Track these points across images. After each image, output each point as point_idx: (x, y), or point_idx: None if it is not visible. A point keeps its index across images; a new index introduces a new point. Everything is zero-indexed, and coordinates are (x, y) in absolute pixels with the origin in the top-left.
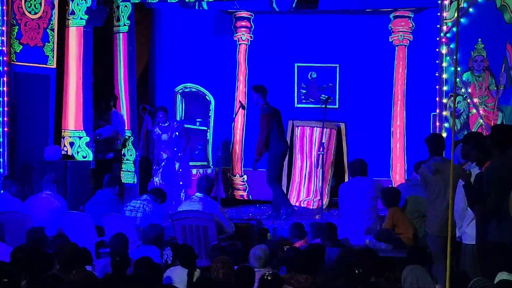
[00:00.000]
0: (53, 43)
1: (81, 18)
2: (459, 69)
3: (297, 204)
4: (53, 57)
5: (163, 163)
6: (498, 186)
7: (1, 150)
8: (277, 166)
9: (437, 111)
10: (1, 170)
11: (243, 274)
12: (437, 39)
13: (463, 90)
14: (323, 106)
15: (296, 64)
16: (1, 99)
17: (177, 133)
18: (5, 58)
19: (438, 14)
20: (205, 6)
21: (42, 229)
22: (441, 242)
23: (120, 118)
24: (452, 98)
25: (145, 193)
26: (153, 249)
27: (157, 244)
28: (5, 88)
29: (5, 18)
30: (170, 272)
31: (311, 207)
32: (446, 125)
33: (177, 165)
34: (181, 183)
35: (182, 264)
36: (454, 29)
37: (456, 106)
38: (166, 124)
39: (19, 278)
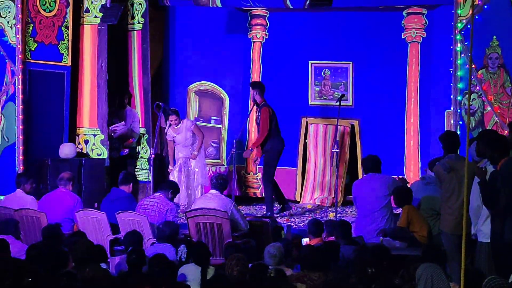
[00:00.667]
0: (68, 41)
1: (95, 16)
2: (473, 66)
3: (311, 201)
4: (67, 55)
5: (179, 162)
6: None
7: (16, 147)
8: (275, 164)
9: (452, 108)
10: (16, 167)
11: (258, 272)
12: (451, 36)
13: (477, 87)
14: (337, 103)
15: (310, 62)
16: (16, 97)
17: (190, 133)
18: (20, 56)
19: (452, 11)
20: (219, 3)
21: (58, 226)
22: (456, 240)
23: (134, 116)
24: (467, 95)
25: (158, 190)
26: (168, 247)
27: (172, 241)
28: (20, 86)
29: (20, 16)
30: (184, 269)
31: (325, 205)
32: (460, 122)
33: (193, 164)
34: (200, 181)
35: (195, 261)
36: (469, 26)
37: (470, 103)
38: (179, 126)
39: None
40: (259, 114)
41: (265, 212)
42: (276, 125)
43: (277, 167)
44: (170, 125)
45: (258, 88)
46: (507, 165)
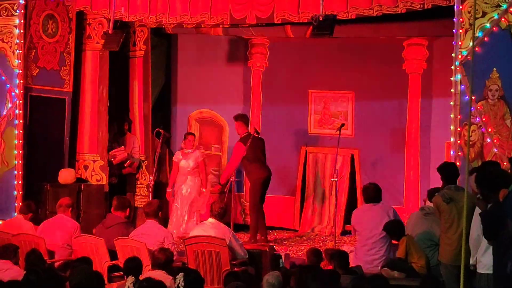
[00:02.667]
0: (69, 66)
1: (97, 42)
2: (473, 97)
3: (309, 231)
4: (69, 80)
5: (184, 190)
6: None
7: (16, 172)
8: (258, 193)
9: (452, 139)
10: (15, 192)
11: None
12: (452, 67)
13: (477, 119)
14: (337, 132)
15: (310, 91)
16: (16, 121)
17: (195, 164)
18: (21, 81)
19: (453, 42)
20: (220, 32)
21: (35, 251)
22: (454, 271)
23: (134, 142)
24: (467, 127)
25: (147, 217)
26: (162, 274)
27: (167, 268)
28: (21, 111)
29: (22, 41)
30: None
31: (324, 234)
32: (460, 153)
33: (189, 189)
34: (197, 208)
35: None
36: (469, 58)
37: (470, 135)
38: (189, 151)
39: None
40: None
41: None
42: (263, 153)
43: (275, 195)
44: (181, 148)
45: (242, 120)
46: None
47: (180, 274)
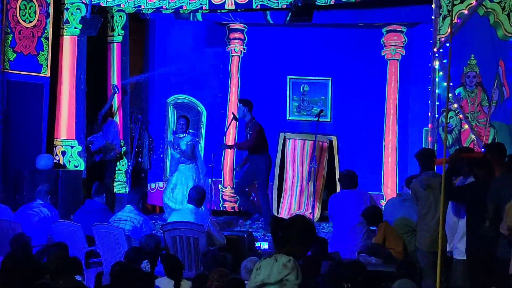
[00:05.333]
0: (47, 52)
1: (75, 28)
2: (451, 84)
3: (288, 216)
4: (47, 65)
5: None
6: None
7: None
8: (267, 180)
9: (430, 126)
10: None
11: (234, 286)
12: (430, 54)
13: (455, 105)
14: (316, 119)
15: (288, 77)
16: None
17: (187, 149)
18: None
19: (431, 29)
20: (199, 17)
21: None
22: (432, 257)
23: (115, 126)
24: (444, 113)
25: (127, 203)
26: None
27: (156, 254)
28: None
29: None
30: (158, 282)
31: None
32: (438, 139)
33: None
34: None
35: (168, 275)
36: (447, 44)
37: (448, 121)
38: (183, 136)
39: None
40: (249, 130)
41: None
42: (265, 141)
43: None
44: (175, 132)
45: (249, 106)
46: (499, 181)
47: (145, 261)
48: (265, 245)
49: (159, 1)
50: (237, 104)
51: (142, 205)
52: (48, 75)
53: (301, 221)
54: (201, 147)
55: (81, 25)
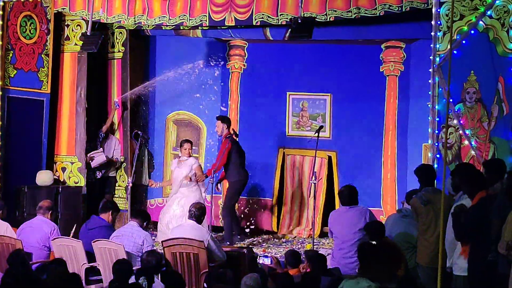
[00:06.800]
0: (48, 68)
1: (75, 44)
2: (451, 100)
3: (288, 233)
4: (47, 82)
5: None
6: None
7: None
8: (236, 195)
9: (429, 141)
10: None
11: None
12: (429, 70)
13: (455, 121)
14: (315, 135)
15: (288, 93)
16: None
17: (191, 171)
18: None
19: (431, 45)
20: (199, 34)
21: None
22: (432, 273)
23: (116, 143)
24: (444, 129)
25: (132, 217)
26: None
27: (157, 270)
28: None
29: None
30: None
31: (302, 236)
32: (437, 155)
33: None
34: None
35: None
36: (447, 60)
37: (448, 137)
38: (186, 160)
39: None
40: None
41: (241, 243)
42: (241, 156)
43: (253, 197)
44: (178, 156)
45: (227, 122)
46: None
47: (142, 277)
48: (267, 261)
49: (159, 17)
50: (216, 120)
51: (146, 226)
52: (49, 91)
53: (387, 246)
54: (202, 163)
55: (82, 42)
